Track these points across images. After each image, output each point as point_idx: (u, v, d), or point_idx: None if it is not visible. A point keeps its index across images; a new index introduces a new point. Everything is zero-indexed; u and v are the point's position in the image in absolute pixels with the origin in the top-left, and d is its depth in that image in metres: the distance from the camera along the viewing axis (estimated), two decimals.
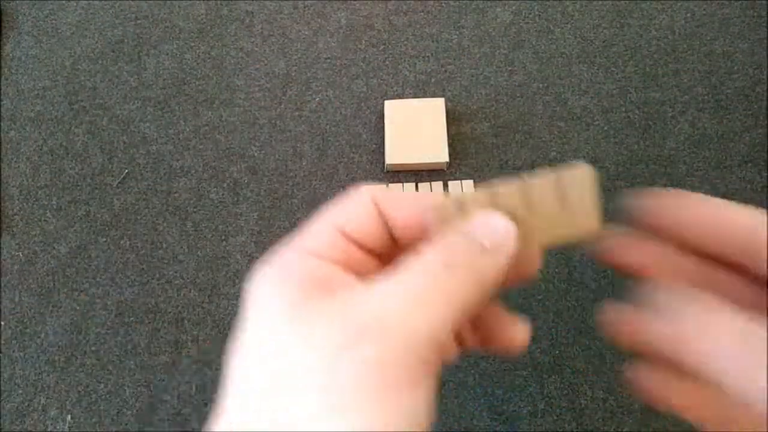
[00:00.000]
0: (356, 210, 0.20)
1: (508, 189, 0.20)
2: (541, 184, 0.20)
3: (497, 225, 0.18)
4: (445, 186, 0.63)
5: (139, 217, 0.63)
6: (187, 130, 0.66)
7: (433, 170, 0.63)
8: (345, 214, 0.20)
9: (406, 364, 0.16)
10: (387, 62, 0.68)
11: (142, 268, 0.61)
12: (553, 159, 0.63)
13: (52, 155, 0.65)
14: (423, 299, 0.17)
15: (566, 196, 0.20)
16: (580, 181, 0.20)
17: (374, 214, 0.20)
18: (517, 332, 0.21)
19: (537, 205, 0.20)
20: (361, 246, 0.20)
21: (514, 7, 0.70)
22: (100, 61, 0.69)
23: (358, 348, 0.15)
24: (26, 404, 0.57)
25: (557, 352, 0.58)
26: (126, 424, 0.56)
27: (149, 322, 0.59)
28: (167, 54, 0.69)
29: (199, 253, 0.61)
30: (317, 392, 0.15)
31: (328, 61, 0.68)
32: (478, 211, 0.19)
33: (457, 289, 0.17)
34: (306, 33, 0.70)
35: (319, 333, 0.16)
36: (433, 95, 0.66)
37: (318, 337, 0.16)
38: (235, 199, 0.63)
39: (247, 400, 0.16)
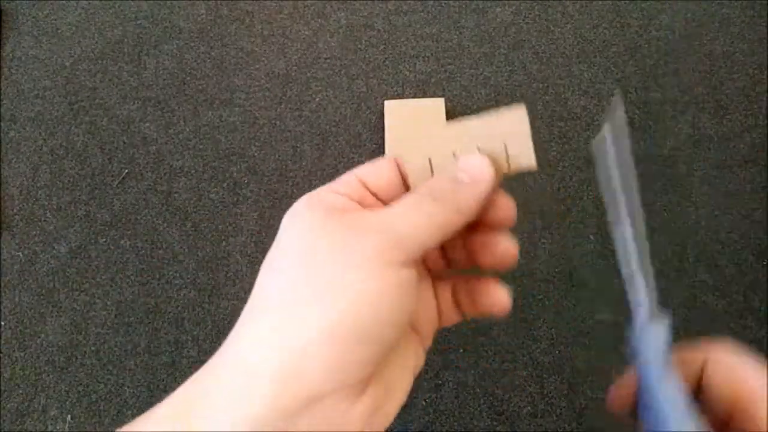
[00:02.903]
0: (376, 167, 0.26)
1: (456, 131, 0.24)
2: (482, 124, 0.24)
3: (474, 163, 0.23)
4: None
5: (139, 217, 0.63)
6: (187, 130, 0.66)
7: None
8: (367, 170, 0.26)
9: (397, 252, 0.21)
10: (387, 62, 0.68)
11: (142, 268, 0.61)
12: (553, 159, 0.63)
13: (52, 155, 0.65)
14: (410, 215, 0.22)
15: (505, 135, 0.24)
16: (517, 120, 0.24)
17: (392, 172, 0.25)
18: (499, 294, 0.26)
19: (480, 143, 0.24)
20: (375, 194, 0.25)
21: (514, 7, 0.70)
22: (100, 61, 0.69)
23: (365, 238, 0.21)
24: (26, 404, 0.57)
25: (557, 352, 0.58)
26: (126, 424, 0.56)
27: (149, 322, 0.59)
28: (167, 54, 0.69)
29: (199, 253, 0.61)
30: (334, 265, 0.21)
31: (328, 61, 0.68)
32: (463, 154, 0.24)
33: (438, 211, 0.22)
34: (306, 33, 0.70)
35: (337, 232, 0.21)
36: (433, 95, 0.66)
37: (336, 234, 0.21)
38: (235, 199, 0.63)
39: (284, 268, 0.22)
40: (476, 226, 0.25)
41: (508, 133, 0.24)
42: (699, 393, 0.23)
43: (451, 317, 0.27)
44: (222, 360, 0.21)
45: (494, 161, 0.24)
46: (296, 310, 0.20)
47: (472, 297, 0.26)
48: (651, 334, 0.22)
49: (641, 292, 0.23)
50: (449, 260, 0.27)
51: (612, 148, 0.25)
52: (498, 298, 0.26)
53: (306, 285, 0.21)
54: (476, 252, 0.26)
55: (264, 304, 0.21)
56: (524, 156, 0.24)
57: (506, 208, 0.25)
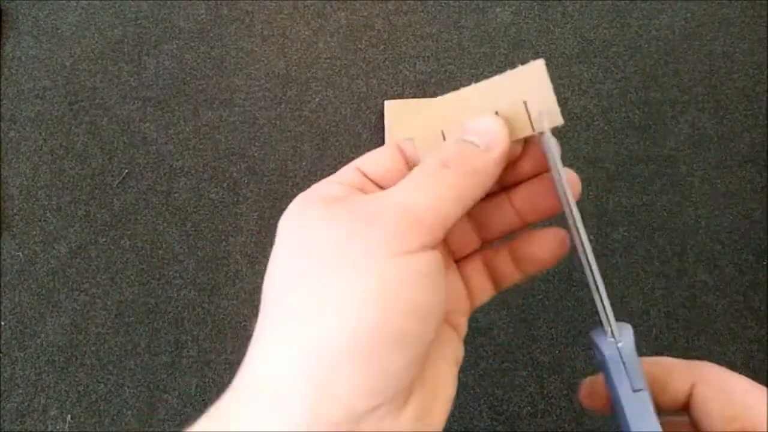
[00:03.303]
0: (376, 155, 0.23)
1: (471, 94, 0.21)
2: (496, 86, 0.21)
3: (483, 125, 0.21)
4: None
5: (139, 217, 0.63)
6: (187, 130, 0.66)
7: None
8: (366, 158, 0.23)
9: (415, 234, 0.18)
10: (387, 62, 0.68)
11: (142, 268, 0.61)
12: None
13: (52, 155, 0.65)
14: (422, 188, 0.19)
15: (524, 93, 0.21)
16: (535, 75, 0.21)
17: (395, 158, 0.23)
18: (553, 233, 0.23)
19: (500, 104, 0.21)
20: (378, 183, 0.23)
21: (514, 7, 0.70)
22: (100, 61, 0.69)
23: (374, 223, 0.18)
24: (26, 404, 0.57)
25: (557, 352, 0.58)
26: (126, 424, 0.56)
27: (149, 322, 0.59)
28: (167, 54, 0.69)
29: (199, 253, 0.61)
30: (344, 264, 0.18)
31: (328, 61, 0.68)
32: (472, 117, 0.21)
33: (452, 180, 0.19)
34: (306, 33, 0.70)
35: (340, 222, 0.19)
36: (433, 95, 0.66)
37: (339, 225, 0.19)
38: (235, 199, 0.63)
39: (289, 262, 0.19)
40: (516, 182, 0.24)
41: (527, 91, 0.21)
42: (688, 411, 0.23)
43: (485, 294, 0.25)
44: (242, 388, 0.18)
45: (515, 123, 0.21)
46: (310, 326, 0.17)
47: (520, 255, 0.24)
48: (608, 345, 0.22)
49: (598, 305, 0.23)
50: (488, 231, 0.25)
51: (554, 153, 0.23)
52: (555, 237, 0.24)
53: (316, 292, 0.18)
54: (540, 198, 0.24)
55: (273, 325, 0.18)
56: (549, 112, 0.21)
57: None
